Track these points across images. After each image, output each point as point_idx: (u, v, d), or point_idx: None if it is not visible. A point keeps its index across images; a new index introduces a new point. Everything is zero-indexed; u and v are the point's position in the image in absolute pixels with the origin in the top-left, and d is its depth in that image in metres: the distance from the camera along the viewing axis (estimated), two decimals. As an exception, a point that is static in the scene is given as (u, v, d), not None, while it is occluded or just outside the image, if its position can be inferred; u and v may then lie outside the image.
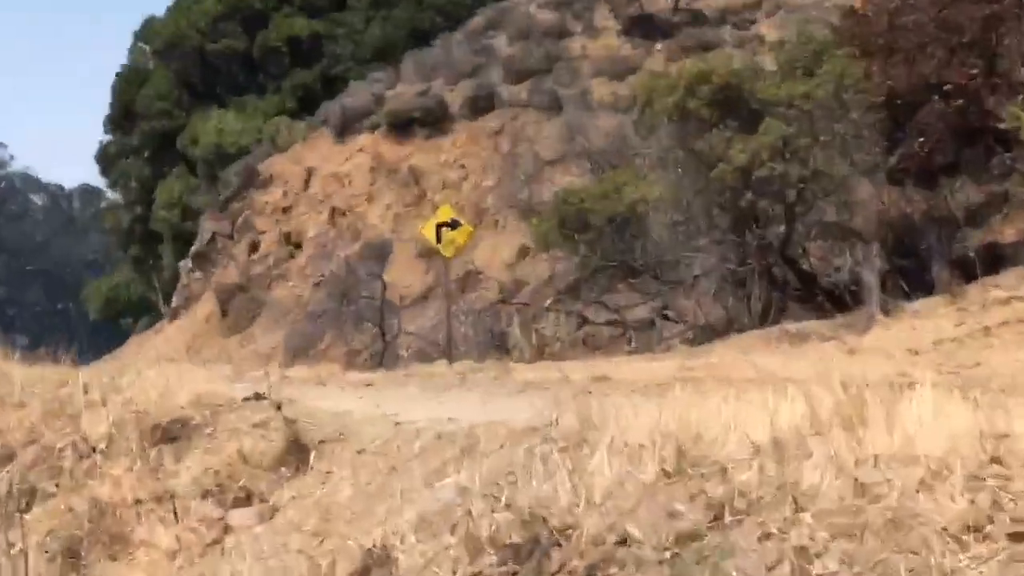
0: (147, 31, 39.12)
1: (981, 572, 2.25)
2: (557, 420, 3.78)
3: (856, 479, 2.73)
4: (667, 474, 3.14)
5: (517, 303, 17.96)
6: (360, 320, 17.90)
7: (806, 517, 2.59)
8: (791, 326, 12.33)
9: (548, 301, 16.90)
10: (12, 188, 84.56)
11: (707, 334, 13.81)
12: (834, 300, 12.89)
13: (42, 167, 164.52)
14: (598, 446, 3.46)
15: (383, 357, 16.83)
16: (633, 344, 15.06)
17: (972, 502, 2.47)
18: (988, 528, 2.39)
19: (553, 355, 14.76)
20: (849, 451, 2.83)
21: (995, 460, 2.67)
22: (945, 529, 2.40)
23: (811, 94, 12.45)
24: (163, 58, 36.67)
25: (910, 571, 2.31)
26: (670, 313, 15.32)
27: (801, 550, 2.51)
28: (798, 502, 2.66)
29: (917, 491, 2.58)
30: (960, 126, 13.06)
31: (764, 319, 13.09)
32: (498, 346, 16.29)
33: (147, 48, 38.64)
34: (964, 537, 2.36)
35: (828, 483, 2.72)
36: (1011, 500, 2.45)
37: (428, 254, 18.66)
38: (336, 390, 7.18)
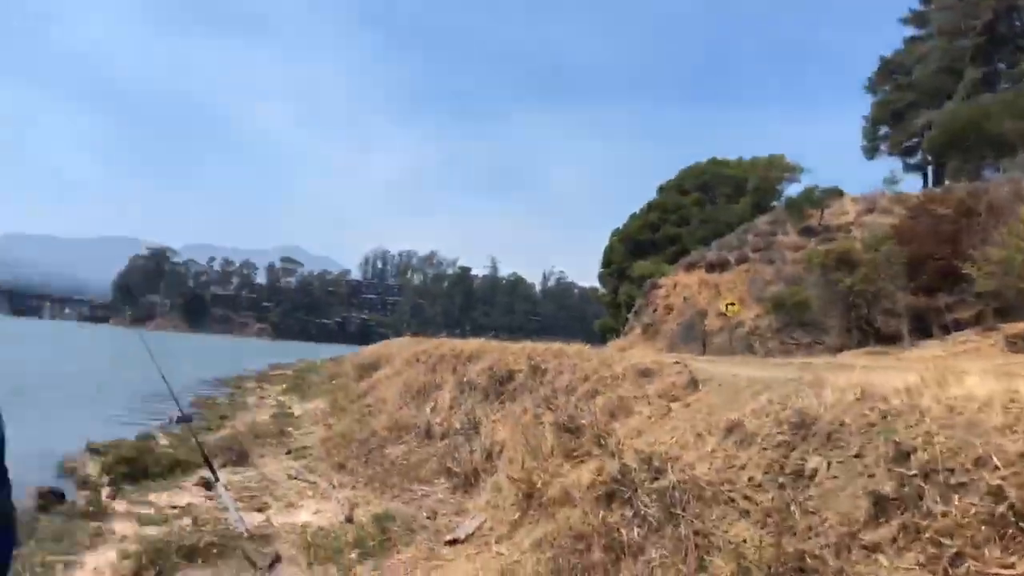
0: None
1: None
2: (803, 377, 10.02)
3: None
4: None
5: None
6: (695, 336, 28.00)
7: None
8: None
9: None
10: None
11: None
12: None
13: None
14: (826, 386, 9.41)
15: (704, 350, 25.94)
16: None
17: None
18: None
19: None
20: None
21: None
22: None
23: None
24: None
25: None
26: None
27: None
28: None
29: None
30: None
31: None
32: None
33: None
34: None
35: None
36: None
37: (721, 314, 32.03)
38: (703, 362, 13.94)
